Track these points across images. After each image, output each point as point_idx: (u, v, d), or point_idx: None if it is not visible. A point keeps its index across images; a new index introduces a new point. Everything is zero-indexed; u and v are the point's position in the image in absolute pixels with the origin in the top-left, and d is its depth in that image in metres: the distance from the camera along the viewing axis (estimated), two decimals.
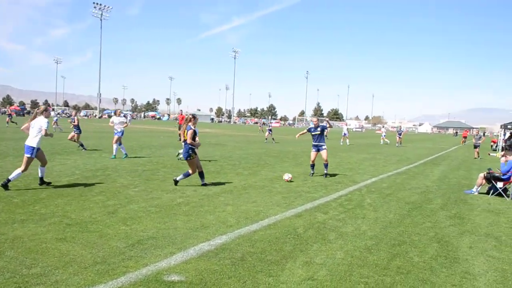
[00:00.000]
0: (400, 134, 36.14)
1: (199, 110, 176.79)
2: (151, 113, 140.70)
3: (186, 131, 10.08)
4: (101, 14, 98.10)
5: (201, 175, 10.39)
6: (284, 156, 19.69)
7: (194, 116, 10.38)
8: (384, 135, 40.42)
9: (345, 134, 35.14)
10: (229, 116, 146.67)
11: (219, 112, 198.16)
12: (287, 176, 11.98)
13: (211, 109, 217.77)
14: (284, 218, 7.57)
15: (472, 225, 7.86)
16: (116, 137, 15.70)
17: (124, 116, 20.75)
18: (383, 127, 47.12)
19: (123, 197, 8.58)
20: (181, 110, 31.23)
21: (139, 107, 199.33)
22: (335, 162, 17.83)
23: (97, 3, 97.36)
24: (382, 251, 5.99)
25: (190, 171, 10.09)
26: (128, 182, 10.35)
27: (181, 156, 13.70)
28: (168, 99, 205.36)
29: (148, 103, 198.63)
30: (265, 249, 5.76)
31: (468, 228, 7.65)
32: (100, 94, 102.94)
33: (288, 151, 23.05)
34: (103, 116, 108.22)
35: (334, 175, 13.73)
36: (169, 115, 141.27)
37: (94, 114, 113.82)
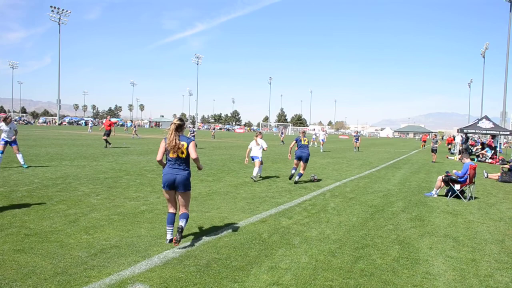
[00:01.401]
0: (357, 139, 35.09)
1: (163, 116, 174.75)
2: (113, 120, 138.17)
3: (181, 143, 6.16)
4: (59, 19, 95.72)
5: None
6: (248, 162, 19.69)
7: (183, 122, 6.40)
8: (319, 139, 36.10)
9: (323, 140, 34.11)
10: (193, 122, 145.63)
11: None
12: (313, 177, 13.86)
13: (174, 115, 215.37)
14: (249, 223, 7.58)
15: (432, 227, 8.09)
16: (1, 146, 13.76)
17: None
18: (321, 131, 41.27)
19: (84, 206, 8.38)
20: (109, 116, 29.98)
21: (100, 114, 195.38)
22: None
23: (54, 7, 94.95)
24: (346, 254, 6.09)
25: (184, 209, 6.30)
26: (89, 190, 10.12)
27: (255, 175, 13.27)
28: (130, 105, 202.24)
29: (110, 109, 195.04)
30: (230, 255, 5.75)
31: (428, 229, 7.86)
32: (60, 100, 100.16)
33: None
34: (63, 123, 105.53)
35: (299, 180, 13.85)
36: (132, 121, 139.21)
37: (53, 121, 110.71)
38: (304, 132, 14.26)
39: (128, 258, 5.42)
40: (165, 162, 6.28)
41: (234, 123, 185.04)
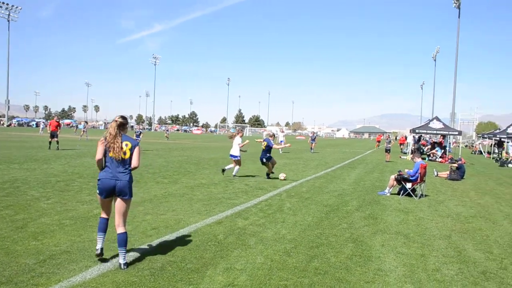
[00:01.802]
0: (314, 140, 34.83)
1: None
2: (66, 121, 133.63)
3: (124, 142, 5.45)
4: (9, 15, 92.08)
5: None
6: (205, 163, 19.61)
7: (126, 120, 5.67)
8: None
9: (282, 141, 33.18)
10: (150, 124, 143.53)
11: (140, 119, 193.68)
12: (281, 176, 14.62)
13: (131, 117, 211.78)
14: (205, 225, 7.54)
15: (385, 225, 8.31)
16: None
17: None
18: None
19: (34, 210, 8.07)
20: (56, 117, 27.42)
21: (53, 115, 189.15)
22: (256, 168, 18.06)
23: (3, 2, 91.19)
24: (300, 253, 6.16)
25: (122, 224, 5.45)
26: (40, 194, 9.76)
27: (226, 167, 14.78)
28: (85, 106, 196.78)
29: (63, 110, 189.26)
30: (185, 258, 5.70)
31: (380, 227, 8.07)
32: (9, 100, 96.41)
33: (209, 158, 23.00)
34: (12, 125, 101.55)
35: (256, 181, 13.92)
36: (86, 122, 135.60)
37: (1, 122, 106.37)
38: (273, 135, 15.82)
39: (80, 264, 5.27)
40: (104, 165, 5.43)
41: (191, 124, 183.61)
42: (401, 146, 43.57)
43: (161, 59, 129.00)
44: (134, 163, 5.48)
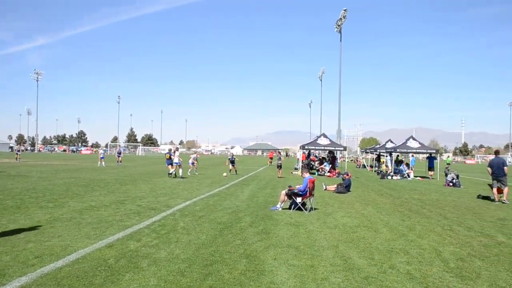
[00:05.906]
0: (233, 163, 30.02)
1: None
2: None
3: None
4: None
5: None
6: (95, 185, 18.70)
7: None
8: (103, 157, 37.70)
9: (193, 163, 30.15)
10: (33, 144, 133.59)
11: (21, 139, 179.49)
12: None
13: (10, 137, 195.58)
14: (94, 250, 7.18)
15: (277, 239, 8.55)
16: None
17: None
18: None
19: None
20: None
21: None
22: (149, 188, 17.65)
23: None
24: (195, 272, 6.12)
25: None
26: None
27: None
28: None
29: None
30: (72, 286, 5.38)
31: (273, 241, 8.29)
32: None
33: (100, 179, 22.00)
34: None
35: (148, 201, 13.58)
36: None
37: None
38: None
39: None
40: None
41: (80, 144, 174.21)
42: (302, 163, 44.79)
43: (45, 75, 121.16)
44: None
